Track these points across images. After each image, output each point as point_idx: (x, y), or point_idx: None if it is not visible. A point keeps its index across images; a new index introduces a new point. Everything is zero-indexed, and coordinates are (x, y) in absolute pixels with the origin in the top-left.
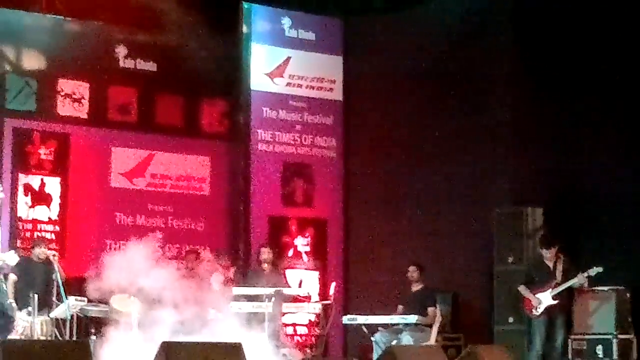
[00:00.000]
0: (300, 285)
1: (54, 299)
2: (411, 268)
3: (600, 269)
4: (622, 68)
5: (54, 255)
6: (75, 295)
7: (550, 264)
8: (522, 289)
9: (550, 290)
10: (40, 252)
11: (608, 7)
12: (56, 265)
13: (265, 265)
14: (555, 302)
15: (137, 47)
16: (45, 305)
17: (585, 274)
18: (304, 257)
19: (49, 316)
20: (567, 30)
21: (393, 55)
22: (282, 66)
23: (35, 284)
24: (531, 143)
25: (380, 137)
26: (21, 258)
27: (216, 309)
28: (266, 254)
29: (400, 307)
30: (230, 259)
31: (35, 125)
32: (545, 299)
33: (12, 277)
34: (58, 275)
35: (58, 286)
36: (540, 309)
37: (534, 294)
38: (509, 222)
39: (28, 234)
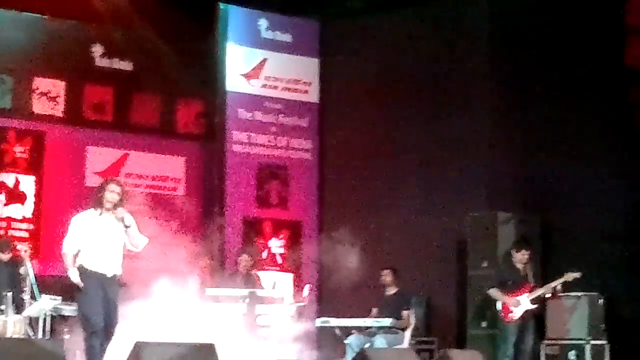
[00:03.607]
0: (274, 287)
1: (26, 297)
2: (384, 272)
3: (577, 275)
4: (598, 74)
5: (25, 251)
6: (49, 294)
7: (521, 267)
8: (493, 292)
9: (527, 294)
10: (3, 255)
11: (584, 13)
12: (27, 262)
13: (241, 268)
14: (534, 306)
15: (113, 46)
16: (14, 303)
17: (563, 279)
18: (278, 258)
19: (21, 315)
20: (543, 36)
21: (369, 58)
22: (258, 67)
23: (1, 283)
24: (506, 148)
25: (356, 140)
26: None
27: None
28: (244, 261)
29: (374, 310)
30: (204, 259)
31: (10, 123)
32: (523, 302)
33: None
34: (31, 272)
35: (31, 284)
36: (519, 313)
37: (511, 298)
38: (483, 227)
39: (2, 232)
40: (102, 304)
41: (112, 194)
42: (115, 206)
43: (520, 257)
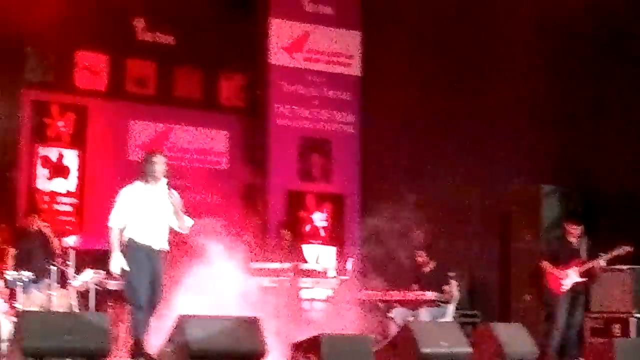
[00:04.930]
0: (317, 261)
1: (71, 270)
2: (418, 253)
3: (630, 248)
4: None
5: (46, 226)
6: (93, 268)
7: (574, 241)
8: (545, 265)
9: (576, 267)
10: (33, 223)
11: None
12: (50, 236)
13: (285, 242)
14: (583, 279)
15: (156, 19)
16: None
17: (616, 252)
18: (321, 232)
19: (66, 288)
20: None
21: (411, 30)
22: (301, 41)
23: (35, 255)
24: (550, 120)
25: (398, 113)
26: (20, 230)
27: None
28: (287, 235)
29: (414, 285)
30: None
31: (53, 97)
32: (572, 275)
33: (12, 250)
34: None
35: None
36: (568, 286)
37: (562, 271)
38: (526, 200)
39: (46, 206)
40: (147, 278)
41: (158, 165)
42: (162, 178)
43: (574, 231)
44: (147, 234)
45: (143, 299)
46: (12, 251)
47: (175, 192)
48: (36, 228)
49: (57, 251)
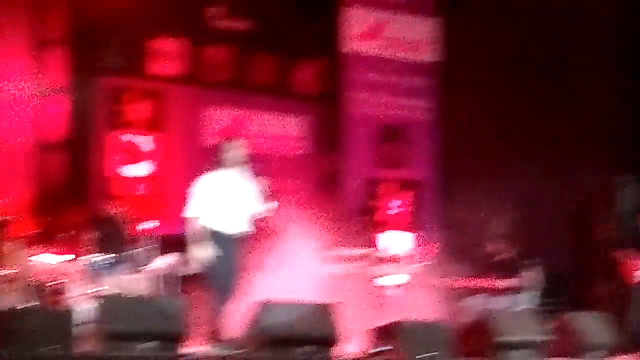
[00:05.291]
0: (395, 247)
1: (148, 255)
2: (496, 240)
3: None
4: None
5: (124, 211)
6: (171, 252)
7: None
8: (621, 254)
9: None
10: (112, 208)
11: None
12: (129, 220)
13: (364, 227)
14: None
15: (233, 6)
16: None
17: None
18: (398, 218)
19: (144, 272)
20: None
21: (488, 17)
22: (377, 28)
23: (114, 239)
24: (629, 110)
25: (475, 100)
26: (97, 215)
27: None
28: (365, 221)
29: (491, 273)
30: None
31: (130, 83)
32: None
33: (90, 234)
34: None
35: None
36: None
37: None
38: (604, 189)
39: (122, 192)
40: (227, 265)
41: (236, 152)
42: (240, 164)
43: None
44: (226, 221)
45: (222, 285)
46: (90, 235)
47: (258, 177)
48: (114, 213)
49: (134, 236)
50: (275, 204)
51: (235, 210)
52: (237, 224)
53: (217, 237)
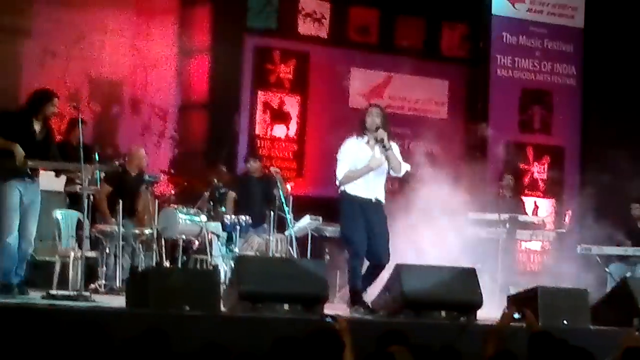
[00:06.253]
0: (535, 213)
1: (289, 216)
2: (635, 205)
3: None
4: None
5: (277, 172)
6: (311, 214)
7: None
8: None
9: None
10: (255, 167)
11: None
12: (280, 183)
13: (505, 192)
14: None
15: None
16: (262, 221)
17: None
18: (540, 184)
19: (284, 234)
20: None
21: None
22: None
23: (255, 200)
24: None
25: (620, 67)
26: (241, 175)
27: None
28: (508, 180)
29: (628, 242)
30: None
31: (275, 43)
32: None
33: (232, 194)
34: (281, 192)
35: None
36: None
37: None
38: None
39: (266, 152)
40: (363, 229)
41: (373, 118)
42: (376, 129)
43: None
44: (362, 186)
45: (359, 248)
46: (232, 195)
47: (392, 142)
48: (260, 173)
49: (283, 196)
50: (408, 166)
51: (372, 175)
52: (373, 190)
53: (352, 201)
